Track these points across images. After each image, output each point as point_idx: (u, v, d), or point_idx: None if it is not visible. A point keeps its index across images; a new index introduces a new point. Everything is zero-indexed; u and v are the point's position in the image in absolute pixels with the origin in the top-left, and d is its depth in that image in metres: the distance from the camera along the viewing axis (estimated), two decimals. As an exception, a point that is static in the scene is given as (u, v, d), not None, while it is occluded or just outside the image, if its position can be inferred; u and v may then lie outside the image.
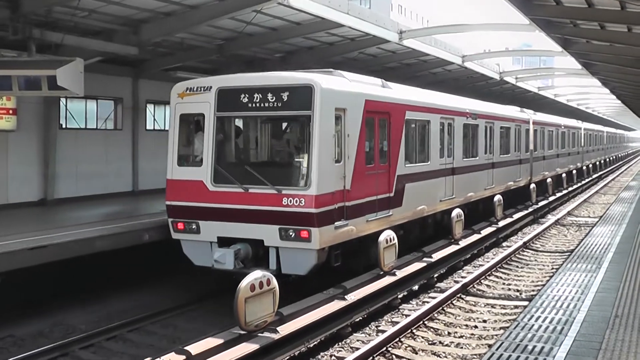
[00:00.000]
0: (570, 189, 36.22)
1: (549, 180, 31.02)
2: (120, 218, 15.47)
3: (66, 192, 19.04)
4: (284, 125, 14.15)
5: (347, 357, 9.47)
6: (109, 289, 13.75)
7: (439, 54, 25.02)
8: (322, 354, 9.98)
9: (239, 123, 13.91)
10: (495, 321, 11.75)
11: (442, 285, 14.39)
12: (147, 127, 22.72)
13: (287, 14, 17.16)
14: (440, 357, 9.94)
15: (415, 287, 13.74)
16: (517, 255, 17.66)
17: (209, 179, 12.76)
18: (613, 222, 18.94)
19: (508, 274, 15.66)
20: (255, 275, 9.42)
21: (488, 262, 16.51)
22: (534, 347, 7.73)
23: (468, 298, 13.20)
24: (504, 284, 14.72)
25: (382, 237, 12.85)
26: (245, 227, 12.33)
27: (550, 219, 25.01)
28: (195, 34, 18.11)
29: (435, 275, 14.74)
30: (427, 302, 12.51)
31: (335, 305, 10.85)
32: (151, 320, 12.19)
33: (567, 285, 10.87)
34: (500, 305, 12.82)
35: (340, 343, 10.42)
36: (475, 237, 18.23)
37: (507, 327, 9.20)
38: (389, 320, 11.71)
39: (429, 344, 10.46)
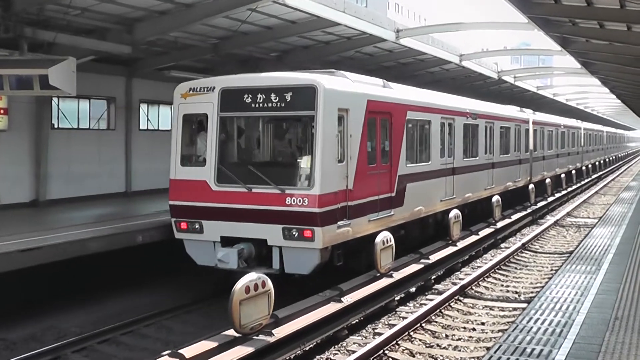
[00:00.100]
0: (569, 189, 36.17)
1: (547, 180, 30.97)
2: (113, 219, 15.43)
3: (58, 193, 18.97)
4: (287, 125, 14.19)
5: (343, 360, 9.39)
6: (103, 292, 13.68)
7: (436, 53, 24.97)
8: (317, 357, 9.93)
9: (242, 123, 14.01)
10: (494, 324, 11.67)
11: (439, 287, 14.33)
12: (141, 127, 22.65)
13: (283, 12, 17.10)
14: (437, 360, 9.85)
15: (413, 289, 13.68)
16: (515, 257, 17.60)
17: (212, 178, 12.88)
18: (613, 223, 18.86)
19: (506, 276, 15.59)
20: (250, 277, 9.38)
21: (486, 263, 16.44)
22: (533, 349, 7.66)
23: (466, 300, 13.12)
24: (502, 285, 14.65)
25: (378, 239, 12.84)
26: (248, 227, 12.46)
27: (550, 219, 24.94)
28: (190, 33, 18.03)
29: (433, 277, 14.67)
30: (425, 305, 12.45)
31: (332, 308, 10.80)
32: (145, 323, 12.13)
33: (566, 287, 10.79)
34: (498, 307, 12.74)
35: (336, 346, 10.36)
36: (473, 239, 18.19)
37: (506, 330, 9.11)
38: (386, 322, 11.66)
39: (426, 347, 10.39)
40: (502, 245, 19.87)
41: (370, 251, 13.18)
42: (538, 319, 8.95)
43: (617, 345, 7.71)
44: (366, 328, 11.29)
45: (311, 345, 10.04)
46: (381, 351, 9.79)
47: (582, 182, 41.79)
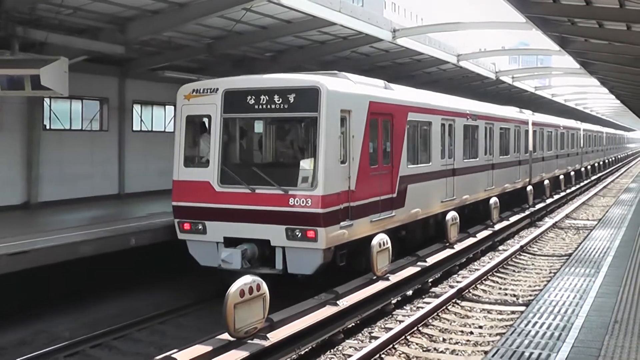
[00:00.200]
0: (568, 191, 36.14)
1: (546, 182, 30.95)
2: (106, 222, 15.37)
3: (50, 195, 18.84)
4: (290, 126, 14.36)
5: (339, 364, 9.36)
6: (96, 295, 13.62)
7: (433, 53, 24.90)
8: (313, 361, 9.86)
9: (245, 124, 14.18)
10: (492, 327, 11.58)
11: (436, 290, 14.25)
12: (134, 128, 22.54)
13: (278, 12, 17.03)
14: (434, 364, 9.81)
15: (409, 292, 13.59)
16: (513, 259, 17.50)
17: (215, 179, 13.01)
18: (612, 225, 18.81)
19: (504, 279, 15.50)
20: (245, 280, 9.32)
21: (484, 266, 16.35)
22: (531, 353, 7.59)
23: (463, 303, 13.04)
24: (500, 288, 14.57)
25: (375, 241, 12.84)
26: (251, 228, 12.62)
27: (548, 222, 24.87)
28: (184, 33, 17.96)
29: (430, 280, 14.58)
30: (422, 308, 12.38)
31: (327, 311, 10.73)
32: (138, 327, 12.05)
33: (565, 290, 10.72)
34: (496, 310, 12.66)
35: (332, 350, 10.28)
36: (470, 241, 18.10)
37: (504, 333, 9.06)
38: (383, 326, 11.58)
39: (423, 350, 10.30)
40: (500, 247, 19.78)
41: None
42: (536, 322, 8.88)
43: (617, 349, 7.64)
44: (362, 332, 11.20)
45: (307, 350, 9.95)
46: (377, 355, 9.70)
47: (582, 184, 41.76)
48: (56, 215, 16.95)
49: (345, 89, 13.33)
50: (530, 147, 28.66)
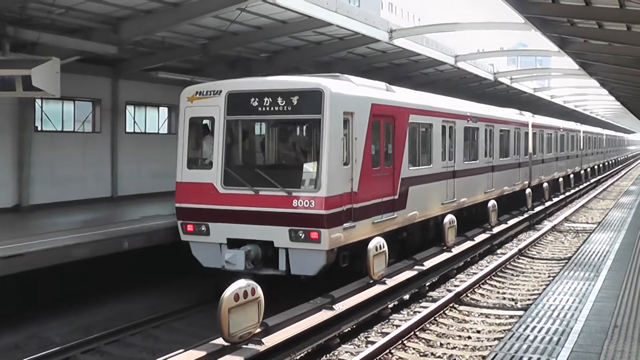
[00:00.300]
0: (567, 193, 36.14)
1: (545, 185, 30.92)
2: (99, 225, 15.28)
3: (42, 198, 18.68)
4: (294, 128, 14.50)
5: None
6: (90, 298, 13.60)
7: (430, 53, 24.84)
8: (308, 366, 9.86)
9: (248, 126, 14.33)
10: (490, 331, 11.53)
11: (434, 294, 14.23)
12: (127, 130, 22.39)
13: (273, 12, 16.94)
14: (432, 369, 9.80)
15: (406, 297, 13.56)
16: (512, 263, 17.47)
17: (219, 181, 13.16)
18: (612, 229, 18.86)
19: (503, 283, 15.45)
20: (239, 284, 9.34)
21: (482, 270, 16.32)
22: (530, 358, 7.61)
23: (461, 307, 12.99)
24: (498, 292, 14.52)
25: (371, 245, 12.83)
26: (255, 229, 12.77)
27: (547, 225, 24.87)
28: (178, 33, 17.84)
29: (427, 284, 14.55)
30: (419, 312, 12.34)
31: (323, 315, 10.72)
32: (131, 331, 12.01)
33: (564, 294, 10.74)
34: (494, 315, 12.62)
35: (328, 355, 10.28)
36: (468, 244, 18.05)
37: (502, 338, 9.09)
38: (379, 330, 11.57)
39: (420, 355, 10.29)
40: (499, 251, 19.77)
41: None
42: (535, 327, 8.91)
43: (617, 354, 7.63)
44: (359, 336, 11.21)
45: (302, 354, 9.92)
46: (374, 360, 9.66)
47: (581, 186, 41.76)
48: (48, 218, 16.86)
49: (348, 91, 13.49)
50: (530, 150, 28.74)
